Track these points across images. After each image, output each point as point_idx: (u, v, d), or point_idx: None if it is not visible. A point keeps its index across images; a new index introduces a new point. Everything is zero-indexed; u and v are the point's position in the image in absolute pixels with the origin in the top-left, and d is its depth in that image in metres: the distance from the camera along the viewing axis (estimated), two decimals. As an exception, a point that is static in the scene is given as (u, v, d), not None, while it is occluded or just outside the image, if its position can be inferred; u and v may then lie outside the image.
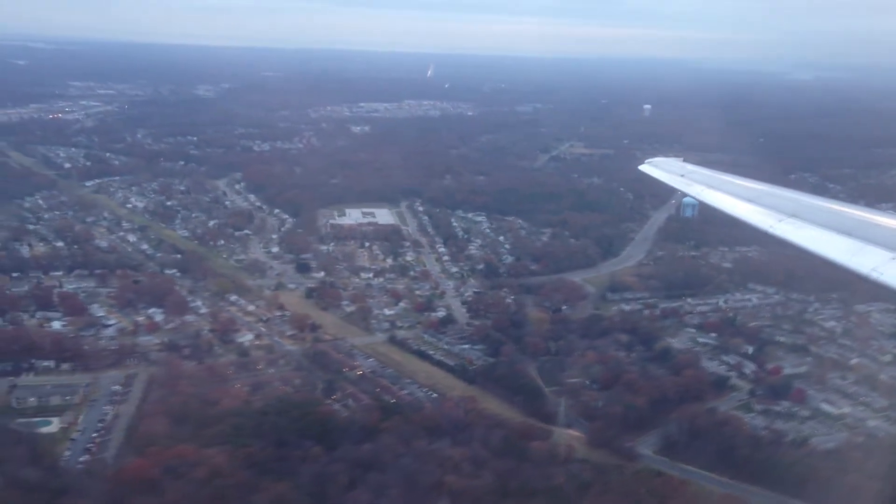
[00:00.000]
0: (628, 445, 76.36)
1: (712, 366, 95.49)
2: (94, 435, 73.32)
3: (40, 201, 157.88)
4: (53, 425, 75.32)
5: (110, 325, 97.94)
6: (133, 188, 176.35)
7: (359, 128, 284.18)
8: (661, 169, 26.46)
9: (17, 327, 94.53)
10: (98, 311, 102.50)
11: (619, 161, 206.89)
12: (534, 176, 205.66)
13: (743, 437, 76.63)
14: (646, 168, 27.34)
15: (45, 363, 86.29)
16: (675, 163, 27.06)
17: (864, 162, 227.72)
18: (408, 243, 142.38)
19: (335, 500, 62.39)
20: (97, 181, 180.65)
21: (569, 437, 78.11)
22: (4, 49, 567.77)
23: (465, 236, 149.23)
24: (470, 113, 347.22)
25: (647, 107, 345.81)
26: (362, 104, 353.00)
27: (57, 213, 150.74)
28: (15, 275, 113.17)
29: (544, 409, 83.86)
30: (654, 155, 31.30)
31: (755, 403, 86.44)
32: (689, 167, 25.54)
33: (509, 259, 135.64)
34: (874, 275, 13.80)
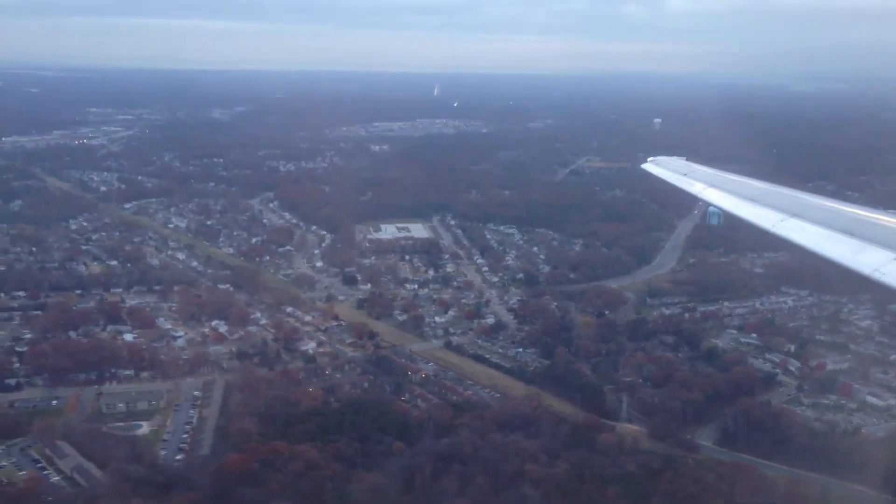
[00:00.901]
0: (688, 438, 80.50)
1: (758, 364, 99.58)
2: (185, 436, 77.44)
3: (84, 223, 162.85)
4: (144, 428, 79.57)
5: (179, 337, 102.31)
6: (171, 209, 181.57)
7: (377, 146, 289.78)
8: (663, 167, 25.99)
9: (93, 340, 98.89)
10: (164, 323, 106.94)
11: (638, 173, 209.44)
12: (557, 189, 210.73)
13: (797, 428, 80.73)
14: (649, 167, 27.03)
15: (126, 372, 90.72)
16: (678, 161, 26.40)
17: (879, 169, 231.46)
18: (446, 255, 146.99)
19: (425, 489, 66.48)
20: (135, 203, 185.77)
21: (631, 430, 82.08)
22: (16, 77, 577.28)
23: (501, 248, 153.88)
24: (484, 130, 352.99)
25: (658, 120, 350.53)
26: (376, 123, 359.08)
27: (103, 233, 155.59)
28: (78, 292, 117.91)
29: (603, 405, 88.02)
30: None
31: (804, 397, 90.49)
32: (693, 166, 25.10)
33: (546, 269, 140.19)
34: (876, 275, 13.42)
